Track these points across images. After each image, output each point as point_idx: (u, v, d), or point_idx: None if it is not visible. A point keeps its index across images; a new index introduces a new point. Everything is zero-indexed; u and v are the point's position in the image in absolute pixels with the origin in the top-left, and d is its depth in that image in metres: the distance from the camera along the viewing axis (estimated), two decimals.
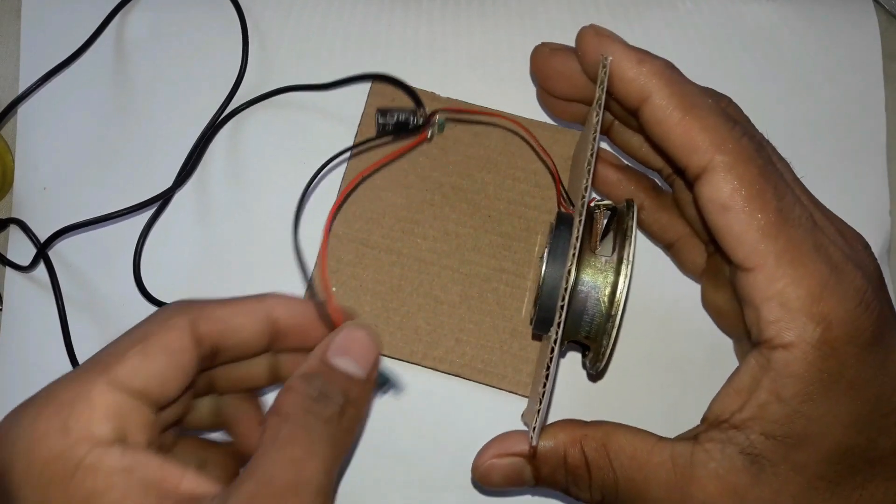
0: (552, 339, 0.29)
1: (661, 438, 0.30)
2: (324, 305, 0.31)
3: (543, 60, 0.35)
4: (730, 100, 0.33)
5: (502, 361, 0.39)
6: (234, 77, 0.43)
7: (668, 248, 0.39)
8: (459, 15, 0.44)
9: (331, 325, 0.31)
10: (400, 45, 0.44)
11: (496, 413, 0.39)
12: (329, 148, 0.41)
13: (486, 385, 0.39)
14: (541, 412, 0.29)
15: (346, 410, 0.28)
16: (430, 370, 0.39)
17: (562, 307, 0.29)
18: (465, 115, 0.41)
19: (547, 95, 0.36)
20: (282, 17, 0.44)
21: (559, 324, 0.29)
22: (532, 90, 0.43)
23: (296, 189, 0.41)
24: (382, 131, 0.39)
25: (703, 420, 0.31)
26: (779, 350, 0.28)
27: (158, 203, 0.42)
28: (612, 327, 0.32)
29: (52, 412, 0.25)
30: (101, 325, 0.41)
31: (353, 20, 0.44)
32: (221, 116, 0.43)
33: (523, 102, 0.43)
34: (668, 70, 0.30)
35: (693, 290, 0.39)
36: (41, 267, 0.42)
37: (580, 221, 0.30)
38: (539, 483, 0.32)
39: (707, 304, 0.38)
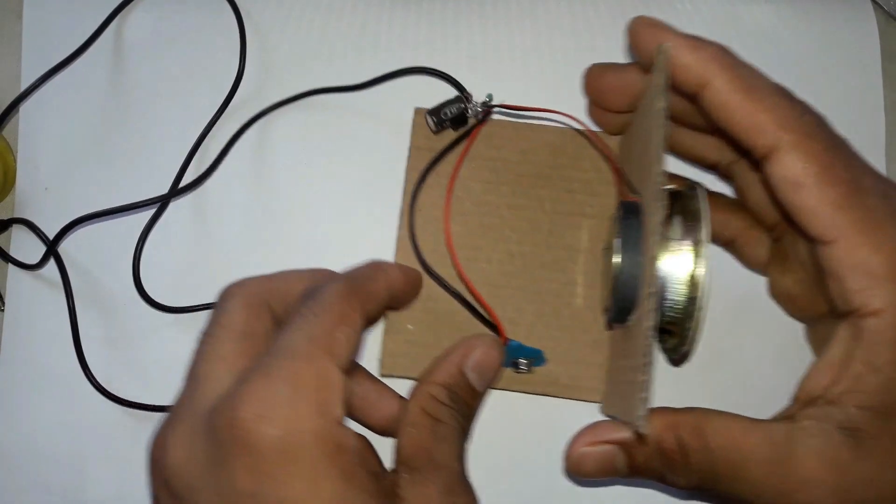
0: (647, 326, 0.29)
1: (754, 420, 0.30)
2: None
3: (596, 78, 0.37)
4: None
5: (589, 374, 0.39)
6: (234, 77, 0.43)
7: (729, 245, 0.39)
8: (459, 15, 0.44)
9: (493, 327, 0.38)
10: (400, 45, 0.44)
11: None
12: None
13: (577, 400, 0.39)
14: (646, 400, 0.29)
15: (470, 419, 0.34)
16: (518, 393, 0.39)
17: (651, 294, 0.29)
18: (515, 110, 0.40)
19: (600, 111, 0.38)
20: (282, 18, 0.44)
21: (653, 311, 0.29)
22: (529, 88, 0.43)
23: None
24: (441, 129, 0.40)
25: (795, 399, 0.31)
26: (868, 318, 0.28)
27: (175, 197, 0.42)
28: (697, 309, 0.32)
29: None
30: (105, 324, 0.42)
31: (354, 21, 0.44)
32: (220, 116, 0.43)
33: (522, 101, 0.43)
34: (725, 54, 0.31)
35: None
36: (44, 265, 0.42)
37: (662, 206, 0.30)
38: (633, 472, 0.32)
39: (776, 291, 0.38)
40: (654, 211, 0.30)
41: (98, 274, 0.42)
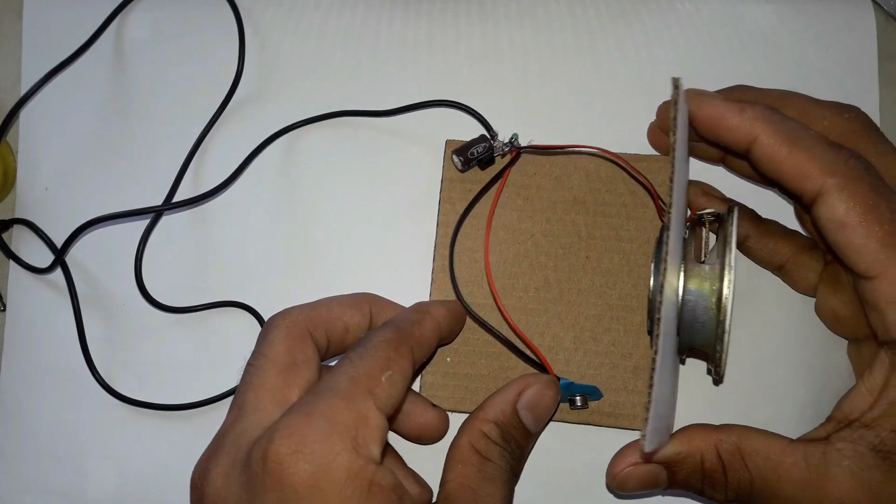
0: (653, 350, 0.30)
1: (791, 441, 0.32)
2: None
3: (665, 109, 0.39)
4: (857, 111, 0.35)
5: (630, 401, 0.38)
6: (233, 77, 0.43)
7: (779, 270, 0.39)
8: (459, 15, 0.44)
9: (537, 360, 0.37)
10: (399, 44, 0.44)
11: None
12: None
13: (619, 428, 0.38)
14: (649, 420, 0.29)
15: (521, 461, 0.34)
16: (559, 422, 0.39)
17: (658, 319, 0.30)
18: (545, 150, 0.40)
19: (659, 135, 0.40)
20: (282, 18, 0.44)
21: (657, 336, 0.30)
22: (529, 89, 0.43)
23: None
24: (468, 168, 0.40)
25: (831, 419, 0.32)
26: None
27: (189, 206, 0.42)
28: (723, 333, 0.33)
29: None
30: (105, 326, 0.42)
31: (354, 21, 0.44)
32: (220, 116, 0.43)
33: (521, 101, 0.43)
34: (768, 112, 0.33)
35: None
36: (53, 270, 0.42)
37: (666, 239, 0.31)
38: (673, 486, 0.34)
39: (823, 310, 0.38)
40: (669, 238, 0.31)
41: (100, 275, 0.42)
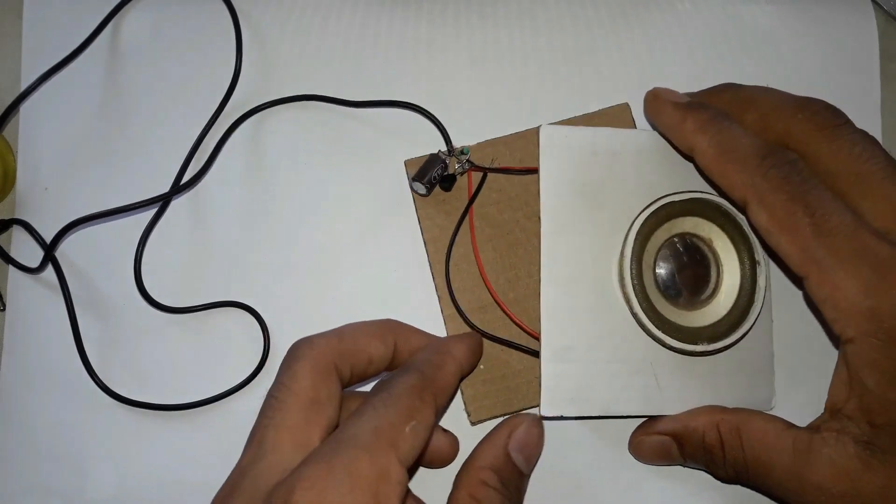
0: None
1: (790, 426, 0.34)
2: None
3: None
4: (817, 107, 0.35)
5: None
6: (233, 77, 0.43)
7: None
8: (459, 15, 0.44)
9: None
10: (399, 44, 0.44)
11: None
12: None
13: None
14: (541, 391, 0.32)
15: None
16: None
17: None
18: (507, 171, 0.40)
19: None
20: (280, 18, 0.44)
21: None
22: (529, 88, 0.43)
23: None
24: (431, 189, 0.40)
25: (825, 408, 0.33)
26: (848, 344, 0.31)
27: (175, 195, 0.42)
28: (630, 304, 0.35)
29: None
30: (105, 326, 0.42)
31: (354, 21, 0.44)
32: (219, 116, 0.43)
33: (522, 101, 0.43)
34: (709, 122, 0.34)
35: None
36: (43, 269, 0.42)
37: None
38: (685, 459, 0.36)
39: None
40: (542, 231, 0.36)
41: (98, 275, 0.42)
